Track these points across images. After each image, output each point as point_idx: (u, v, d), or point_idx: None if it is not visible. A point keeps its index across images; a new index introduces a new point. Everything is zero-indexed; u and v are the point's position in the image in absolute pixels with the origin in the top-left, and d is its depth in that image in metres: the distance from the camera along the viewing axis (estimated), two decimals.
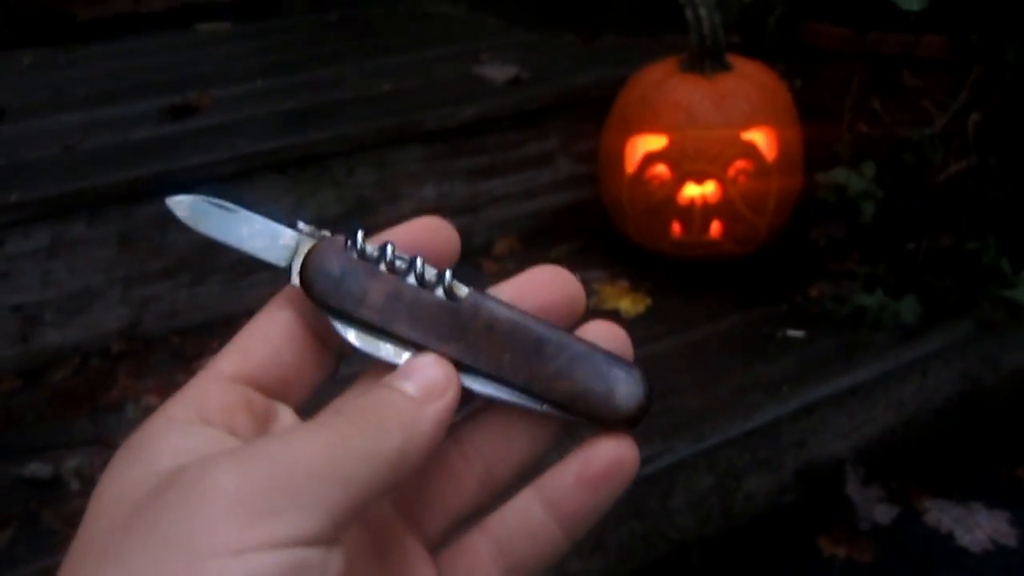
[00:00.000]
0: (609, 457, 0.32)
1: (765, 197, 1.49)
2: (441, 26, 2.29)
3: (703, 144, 1.45)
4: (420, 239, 0.34)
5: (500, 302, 0.32)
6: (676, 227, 1.50)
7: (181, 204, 0.35)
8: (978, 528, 1.32)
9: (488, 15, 2.33)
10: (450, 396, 0.30)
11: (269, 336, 0.32)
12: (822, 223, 1.62)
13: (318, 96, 1.73)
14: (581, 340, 0.32)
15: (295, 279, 0.32)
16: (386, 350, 0.32)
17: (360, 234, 0.32)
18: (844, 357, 1.37)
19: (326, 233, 0.33)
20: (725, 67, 1.51)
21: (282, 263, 0.33)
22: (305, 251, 0.33)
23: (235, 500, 0.25)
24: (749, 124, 1.46)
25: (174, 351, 1.43)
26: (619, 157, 1.53)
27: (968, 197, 1.57)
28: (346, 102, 1.70)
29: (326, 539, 0.26)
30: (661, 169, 1.48)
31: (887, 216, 1.52)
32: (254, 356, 0.32)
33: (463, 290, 0.32)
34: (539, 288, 0.33)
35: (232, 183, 1.47)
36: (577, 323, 0.34)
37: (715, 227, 1.49)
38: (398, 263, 0.32)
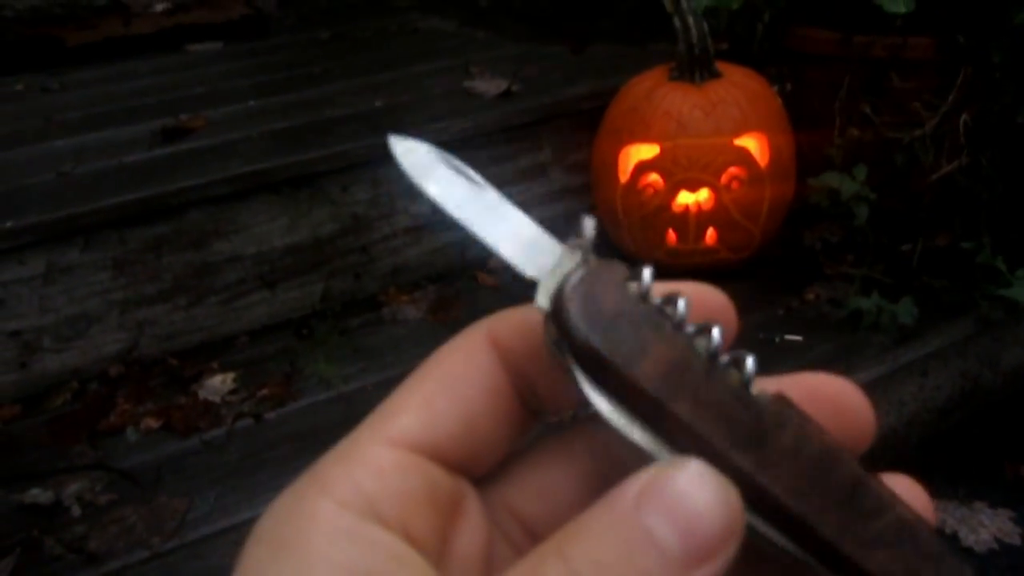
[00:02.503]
0: None
1: (759, 203, 1.49)
2: (431, 41, 2.29)
3: (695, 152, 1.46)
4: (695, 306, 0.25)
5: (807, 417, 0.24)
6: (671, 235, 1.51)
7: (412, 150, 0.27)
8: (982, 528, 1.32)
9: (478, 29, 2.33)
10: (728, 554, 0.21)
11: (463, 392, 0.25)
12: (816, 227, 1.63)
13: (310, 115, 1.74)
14: (903, 502, 0.24)
15: (542, 301, 0.25)
16: (643, 437, 0.23)
17: (648, 272, 0.25)
18: (843, 360, 1.37)
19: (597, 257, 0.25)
20: (715, 75, 1.52)
21: (530, 272, 0.26)
22: (568, 271, 0.25)
23: None
24: (740, 131, 1.47)
25: (172, 373, 1.43)
26: (612, 167, 1.53)
27: (961, 197, 1.57)
28: (338, 120, 1.70)
29: None
30: (654, 178, 1.48)
31: (881, 218, 1.53)
32: (443, 420, 0.24)
33: (755, 387, 0.25)
34: (827, 403, 0.25)
35: (226, 204, 1.47)
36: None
37: (710, 234, 1.50)
38: (689, 328, 0.25)
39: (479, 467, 0.26)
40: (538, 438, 0.27)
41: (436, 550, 0.23)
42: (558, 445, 0.27)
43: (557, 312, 0.23)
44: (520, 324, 0.26)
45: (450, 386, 0.25)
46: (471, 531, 0.25)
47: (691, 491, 0.21)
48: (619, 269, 0.25)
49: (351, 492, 0.22)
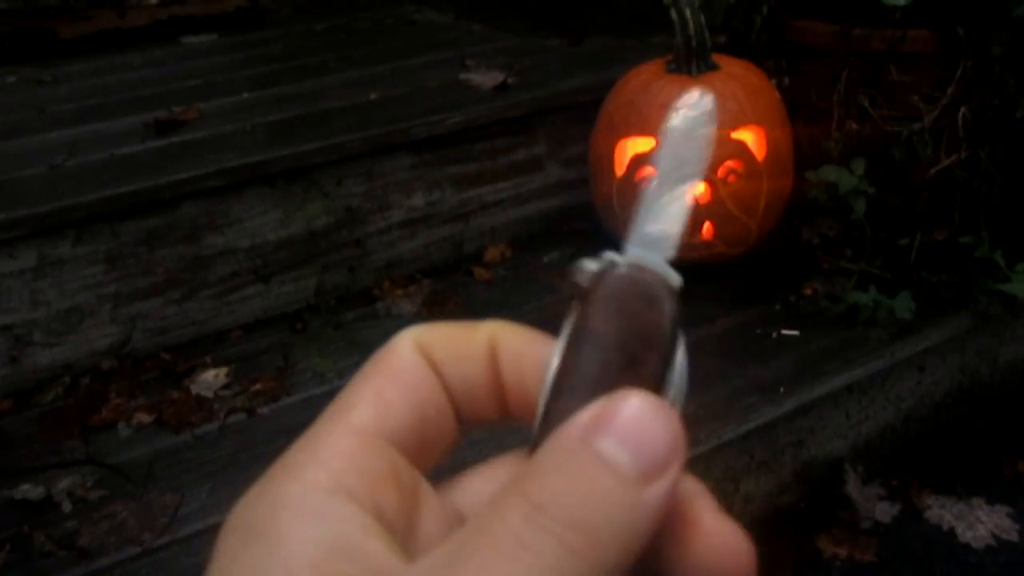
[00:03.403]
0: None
1: (756, 197, 1.48)
2: (427, 34, 2.28)
3: None
4: None
5: None
6: None
7: (703, 100, 0.27)
8: (979, 524, 1.31)
9: (474, 22, 2.32)
10: (679, 464, 0.22)
11: (410, 384, 0.26)
12: (814, 221, 1.62)
13: (305, 107, 1.73)
14: None
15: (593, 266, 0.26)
16: None
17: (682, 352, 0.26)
18: (840, 355, 1.36)
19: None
20: (712, 67, 1.51)
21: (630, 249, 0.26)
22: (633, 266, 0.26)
23: None
24: (738, 124, 1.46)
25: (165, 368, 1.42)
26: (608, 160, 1.52)
27: (960, 191, 1.56)
28: (333, 112, 1.69)
29: None
30: (650, 172, 1.47)
31: (879, 213, 1.52)
32: (396, 411, 0.25)
33: None
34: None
35: (220, 197, 1.46)
36: None
37: (707, 228, 1.49)
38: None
39: (429, 458, 0.26)
40: (495, 455, 0.28)
41: (403, 530, 0.24)
42: (513, 459, 0.28)
43: (597, 277, 0.25)
44: (447, 336, 0.27)
45: (397, 380, 0.26)
46: (432, 517, 0.25)
47: (637, 414, 0.22)
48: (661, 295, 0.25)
49: (318, 473, 0.23)
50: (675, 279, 0.26)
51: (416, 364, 0.26)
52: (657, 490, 0.21)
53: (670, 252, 0.26)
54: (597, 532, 0.20)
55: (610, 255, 0.26)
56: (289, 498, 0.22)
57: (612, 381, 0.24)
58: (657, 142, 0.28)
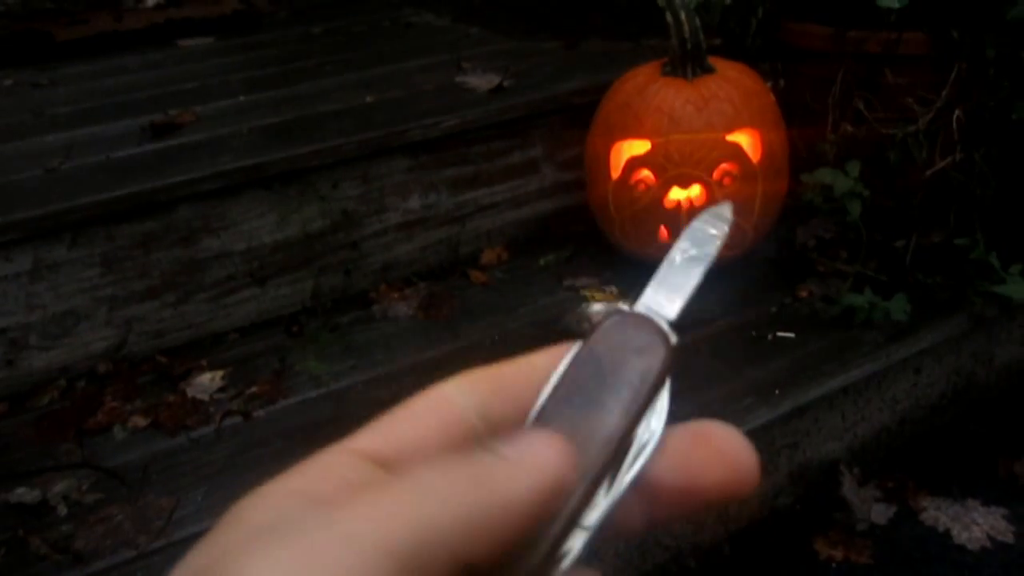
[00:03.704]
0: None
1: (751, 199, 1.49)
2: (424, 37, 2.28)
3: (687, 148, 1.45)
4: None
5: None
6: (663, 232, 1.50)
7: (719, 219, 0.32)
8: (975, 526, 1.31)
9: (471, 25, 2.32)
10: (556, 475, 0.25)
11: (421, 417, 0.28)
12: (809, 224, 1.62)
13: (301, 110, 1.73)
14: None
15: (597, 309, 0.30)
16: None
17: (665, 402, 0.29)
18: (835, 357, 1.36)
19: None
20: (707, 70, 1.51)
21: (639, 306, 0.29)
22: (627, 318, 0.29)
23: None
24: (733, 127, 1.46)
25: (161, 371, 1.42)
26: (604, 163, 1.52)
27: (955, 193, 1.57)
28: (329, 115, 1.69)
29: None
30: (646, 174, 1.48)
31: (874, 215, 1.52)
32: (395, 435, 0.27)
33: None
34: (712, 449, 0.28)
35: (216, 200, 1.46)
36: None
37: None
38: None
39: None
40: None
41: None
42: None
43: (601, 321, 0.28)
44: (484, 377, 0.29)
45: (409, 412, 0.27)
46: None
47: (529, 435, 0.26)
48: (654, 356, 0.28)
49: (300, 482, 0.25)
50: (673, 337, 0.29)
51: (448, 401, 0.28)
52: (537, 477, 0.24)
53: (673, 315, 0.30)
54: (475, 490, 0.24)
55: (619, 305, 0.29)
56: (271, 494, 0.25)
57: (592, 410, 0.27)
58: (684, 228, 0.32)
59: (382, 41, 2.27)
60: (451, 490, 0.23)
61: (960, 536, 1.30)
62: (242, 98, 1.84)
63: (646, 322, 0.29)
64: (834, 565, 1.26)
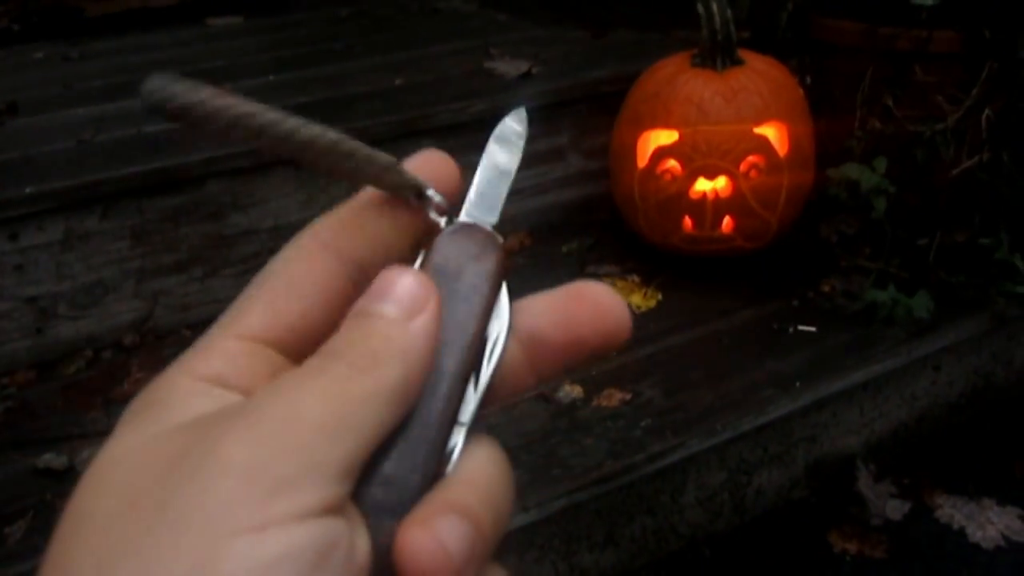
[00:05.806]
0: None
1: (777, 192, 1.49)
2: (452, 21, 2.29)
3: (714, 139, 1.45)
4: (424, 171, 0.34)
5: None
6: (688, 222, 1.50)
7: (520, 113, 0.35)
8: (990, 524, 1.32)
9: (499, 11, 2.33)
10: (432, 306, 0.28)
11: (301, 290, 0.30)
12: (834, 218, 1.62)
13: (330, 91, 1.74)
14: None
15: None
16: None
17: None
18: (856, 352, 1.37)
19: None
20: (736, 62, 1.51)
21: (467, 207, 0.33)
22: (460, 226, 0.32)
23: (248, 472, 0.23)
24: (761, 119, 1.46)
25: (186, 344, 1.41)
26: (631, 152, 1.53)
27: (980, 193, 1.56)
28: (358, 97, 1.70)
29: (344, 502, 0.25)
30: (672, 164, 1.48)
31: (899, 212, 1.52)
32: (284, 316, 0.29)
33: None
34: (587, 304, 0.31)
35: (245, 177, 1.47)
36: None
37: (727, 222, 1.49)
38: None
39: (312, 352, 0.30)
40: None
41: None
42: None
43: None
44: (345, 220, 0.32)
45: (290, 286, 0.30)
46: None
47: (396, 278, 0.28)
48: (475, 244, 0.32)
49: (204, 369, 0.27)
50: (500, 239, 0.33)
51: (312, 267, 0.30)
52: (420, 322, 0.28)
53: (495, 220, 0.34)
54: (376, 355, 0.26)
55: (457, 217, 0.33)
56: (177, 385, 0.27)
57: (445, 316, 0.29)
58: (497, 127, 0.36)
59: (410, 25, 2.28)
60: (372, 382, 0.26)
61: (975, 534, 1.30)
62: (271, 77, 1.85)
63: (476, 230, 0.32)
64: (848, 558, 1.27)
